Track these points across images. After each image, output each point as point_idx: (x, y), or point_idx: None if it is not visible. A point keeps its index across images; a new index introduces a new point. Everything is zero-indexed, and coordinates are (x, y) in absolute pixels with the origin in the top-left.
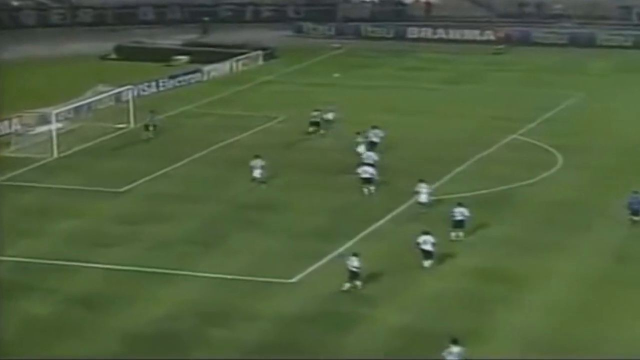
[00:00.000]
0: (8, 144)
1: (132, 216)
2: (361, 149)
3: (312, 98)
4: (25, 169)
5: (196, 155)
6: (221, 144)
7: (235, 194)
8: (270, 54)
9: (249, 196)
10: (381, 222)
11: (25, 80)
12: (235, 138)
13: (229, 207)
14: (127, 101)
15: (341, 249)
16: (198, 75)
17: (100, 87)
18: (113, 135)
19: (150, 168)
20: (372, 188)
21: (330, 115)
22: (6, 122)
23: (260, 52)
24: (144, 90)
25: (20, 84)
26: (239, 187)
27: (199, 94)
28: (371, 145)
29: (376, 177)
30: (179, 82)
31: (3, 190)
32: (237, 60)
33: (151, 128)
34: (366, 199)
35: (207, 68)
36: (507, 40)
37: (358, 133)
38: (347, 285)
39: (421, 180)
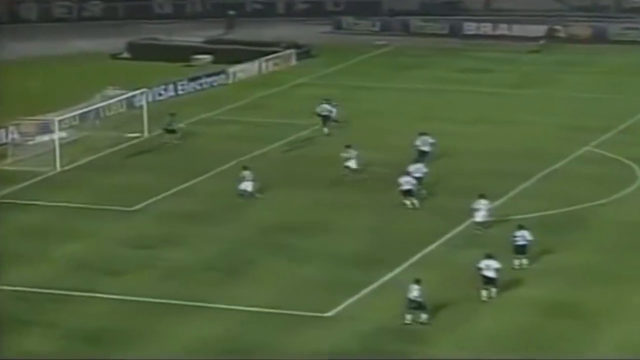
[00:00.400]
0: (4, 156)
1: (146, 239)
2: (352, 163)
3: (353, 104)
4: (23, 184)
5: (218, 169)
6: (247, 156)
7: (262, 214)
8: (305, 53)
9: (278, 216)
10: (432, 246)
11: (24, 82)
12: (264, 150)
13: (256, 229)
14: (141, 107)
15: (386, 278)
16: (222, 77)
17: (110, 91)
18: (124, 145)
19: (166, 184)
20: (416, 202)
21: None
22: (2, 131)
23: (293, 51)
24: (159, 94)
25: (19, 86)
26: (266, 206)
27: (222, 99)
28: (421, 155)
29: (423, 191)
30: (200, 85)
31: None
32: (267, 60)
33: (177, 133)
34: (413, 219)
35: (232, 69)
36: (550, 35)
37: (348, 147)
38: (408, 318)
39: (481, 196)
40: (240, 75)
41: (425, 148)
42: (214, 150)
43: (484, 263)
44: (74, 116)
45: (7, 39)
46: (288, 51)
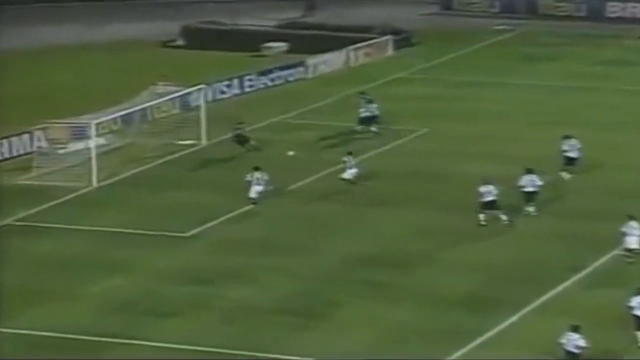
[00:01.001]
0: (28, 168)
1: (202, 272)
2: (348, 174)
3: (465, 105)
4: (50, 203)
5: (292, 186)
6: (330, 169)
7: (347, 243)
8: (403, 41)
9: (367, 246)
10: (565, 284)
11: (53, 76)
12: (354, 161)
13: (339, 261)
14: (198, 107)
15: (506, 324)
16: (300, 70)
17: (160, 87)
18: (177, 155)
19: (228, 204)
20: (504, 217)
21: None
22: (26, 137)
23: (389, 38)
24: (222, 92)
25: (47, 81)
26: (354, 232)
27: (300, 98)
28: (568, 162)
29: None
30: (272, 80)
31: (17, 234)
32: (357, 50)
33: (252, 142)
34: (539, 249)
35: (312, 60)
36: None
37: (350, 153)
38: None
39: (631, 218)
40: (322, 68)
41: (573, 154)
42: (287, 161)
43: (636, 300)
44: (114, 119)
45: (34, 22)
46: (383, 38)
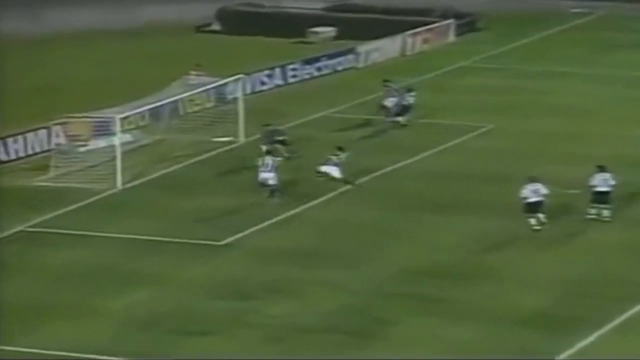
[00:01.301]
0: (45, 167)
1: (238, 285)
2: (334, 170)
3: (537, 98)
4: (69, 207)
5: (338, 190)
6: (383, 170)
7: (402, 252)
8: (467, 25)
9: (425, 256)
10: None
11: (72, 66)
12: (407, 161)
13: (393, 273)
14: (235, 100)
15: (580, 346)
16: (350, 58)
17: (193, 77)
18: (211, 154)
19: (267, 209)
20: (542, 217)
21: (410, 99)
22: (42, 133)
23: (451, 22)
24: (262, 83)
25: (67, 71)
26: (409, 241)
27: (350, 90)
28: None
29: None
30: (319, 69)
31: (31, 241)
32: (414, 35)
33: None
34: (622, 261)
35: (364, 47)
36: None
37: (340, 148)
38: None
39: None
40: (375, 56)
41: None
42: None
43: None
44: (141, 113)
45: (50, 5)
46: (443, 22)
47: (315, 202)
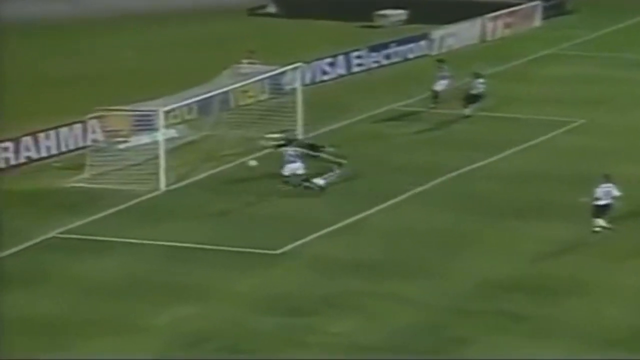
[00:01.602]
0: (80, 167)
1: (295, 300)
2: (299, 167)
3: (634, 89)
4: (107, 211)
5: (409, 192)
6: (459, 171)
7: (480, 263)
8: (556, 7)
9: (507, 267)
10: None
11: (111, 52)
12: (483, 161)
13: (471, 286)
14: (293, 91)
15: None
16: (422, 45)
17: (246, 66)
18: (265, 152)
19: (328, 214)
20: (603, 222)
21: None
22: (77, 128)
23: (537, 4)
24: (323, 72)
25: (103, 58)
26: (488, 250)
27: (422, 80)
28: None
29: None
30: (388, 57)
31: (65, 249)
32: (495, 19)
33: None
34: None
35: (438, 32)
36: None
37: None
38: None
39: None
40: (450, 42)
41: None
42: (404, 162)
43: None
44: (188, 105)
45: None
46: (528, 4)
47: (381, 206)
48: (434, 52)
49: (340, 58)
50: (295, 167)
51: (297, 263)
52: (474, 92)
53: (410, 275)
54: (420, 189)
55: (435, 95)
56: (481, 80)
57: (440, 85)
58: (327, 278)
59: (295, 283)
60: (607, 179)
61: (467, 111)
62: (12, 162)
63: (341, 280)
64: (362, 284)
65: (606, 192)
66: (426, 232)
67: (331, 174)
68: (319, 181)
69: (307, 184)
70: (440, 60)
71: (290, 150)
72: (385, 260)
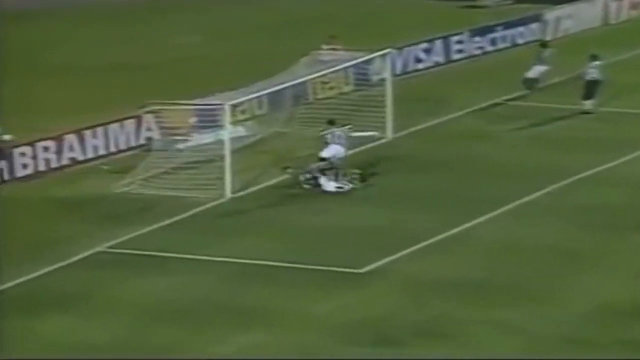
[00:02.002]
0: (132, 170)
1: (382, 326)
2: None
3: None
4: (163, 222)
5: (518, 202)
6: (575, 177)
7: (601, 285)
8: None
9: (632, 290)
10: None
11: (168, 36)
12: (609, 164)
13: (589, 312)
14: (382, 82)
15: None
16: (535, 28)
17: (326, 53)
18: (348, 153)
19: (419, 226)
20: None
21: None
22: (129, 125)
23: None
24: (417, 60)
25: (160, 44)
26: (610, 270)
27: (529, 69)
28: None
29: None
30: (493, 42)
31: (113, 265)
32: None
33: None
34: None
35: (554, 14)
36: None
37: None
38: None
39: None
40: (568, 25)
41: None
42: (511, 165)
43: None
44: (258, 99)
45: None
46: None
47: (483, 218)
48: (549, 37)
49: (438, 43)
50: (337, 152)
51: (385, 284)
52: (590, 78)
53: (516, 299)
54: (529, 197)
55: (530, 85)
56: (598, 63)
57: (535, 73)
58: (420, 301)
59: (382, 307)
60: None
61: (587, 105)
62: (54, 164)
63: (436, 304)
64: (460, 308)
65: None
66: (535, 249)
67: (345, 184)
68: (329, 184)
69: (311, 181)
70: (544, 45)
71: (337, 131)
72: (488, 282)
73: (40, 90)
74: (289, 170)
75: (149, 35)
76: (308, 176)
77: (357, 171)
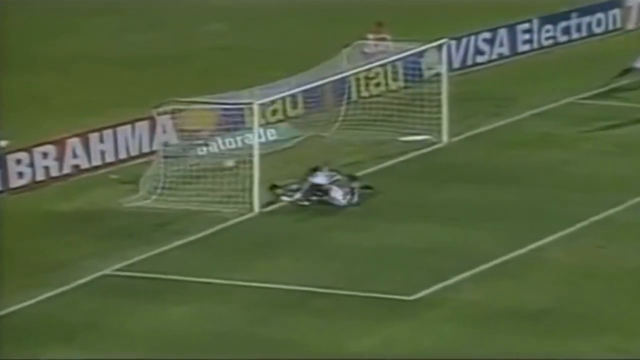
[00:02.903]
0: (140, 180)
1: None
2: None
3: None
4: (180, 241)
5: (596, 217)
6: None
7: None
8: None
9: None
10: None
11: (190, 25)
12: None
13: None
14: (436, 77)
15: None
16: (615, 15)
17: (372, 45)
18: (397, 160)
19: (478, 246)
20: None
21: None
22: (142, 127)
23: None
24: (477, 52)
25: (180, 34)
26: None
27: (613, 64)
28: None
29: None
30: (565, 32)
31: (123, 290)
32: None
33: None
34: None
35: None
36: None
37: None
38: None
39: None
40: None
41: None
42: (587, 176)
43: None
44: (292, 97)
45: None
46: None
47: (555, 236)
48: (631, 26)
49: (502, 32)
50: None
51: (439, 313)
52: None
53: (594, 331)
54: (608, 213)
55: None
56: None
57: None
58: (481, 334)
59: (435, 341)
60: None
61: None
62: (54, 172)
63: (499, 338)
64: (526, 341)
65: None
66: (616, 274)
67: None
68: (340, 198)
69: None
70: None
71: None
72: (559, 311)
73: (41, 85)
74: (278, 191)
75: (165, 24)
76: (298, 195)
77: (358, 183)
